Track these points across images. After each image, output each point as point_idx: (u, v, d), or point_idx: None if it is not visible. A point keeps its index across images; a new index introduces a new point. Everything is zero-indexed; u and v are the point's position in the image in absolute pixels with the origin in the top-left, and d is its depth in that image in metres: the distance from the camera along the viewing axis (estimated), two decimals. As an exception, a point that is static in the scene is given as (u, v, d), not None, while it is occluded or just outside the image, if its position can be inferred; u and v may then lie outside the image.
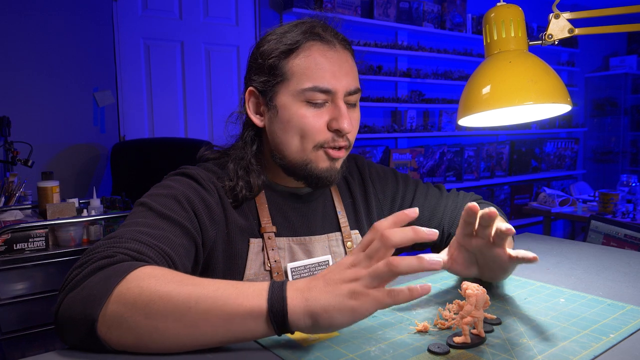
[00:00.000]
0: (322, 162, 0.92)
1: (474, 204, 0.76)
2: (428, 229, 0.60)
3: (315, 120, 0.89)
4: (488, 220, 0.75)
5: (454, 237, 0.85)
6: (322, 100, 0.89)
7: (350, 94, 0.91)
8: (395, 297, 0.58)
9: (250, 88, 0.94)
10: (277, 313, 0.59)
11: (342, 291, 0.58)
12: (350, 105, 0.94)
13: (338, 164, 0.94)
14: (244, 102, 0.96)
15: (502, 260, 0.78)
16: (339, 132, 0.90)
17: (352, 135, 0.94)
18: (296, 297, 0.59)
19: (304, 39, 0.89)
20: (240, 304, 0.60)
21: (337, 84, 0.89)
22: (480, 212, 0.76)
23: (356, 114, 0.95)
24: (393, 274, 0.58)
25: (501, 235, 0.74)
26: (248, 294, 0.60)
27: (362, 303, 0.58)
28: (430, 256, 0.58)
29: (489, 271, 0.84)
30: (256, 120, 0.95)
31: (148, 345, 0.61)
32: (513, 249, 0.81)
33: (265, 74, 0.91)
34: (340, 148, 0.92)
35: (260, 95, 0.93)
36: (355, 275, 0.59)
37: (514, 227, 0.74)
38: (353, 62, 0.95)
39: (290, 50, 0.89)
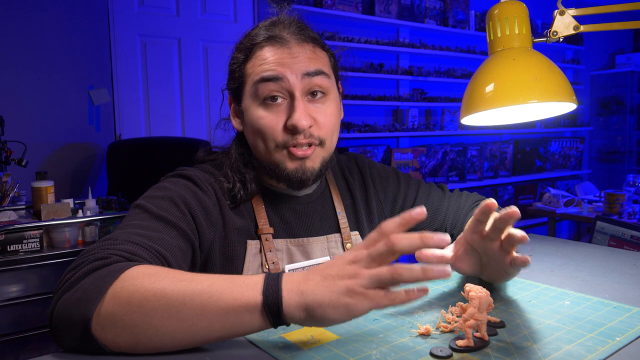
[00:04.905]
0: (289, 163, 0.91)
1: (492, 200, 0.72)
2: (437, 234, 0.58)
3: (271, 120, 0.89)
4: (505, 223, 0.70)
5: (461, 234, 0.83)
6: (276, 92, 0.88)
7: (308, 75, 0.88)
8: (392, 299, 0.58)
9: (230, 95, 0.98)
10: (272, 305, 0.59)
11: (339, 287, 0.58)
12: (316, 99, 0.91)
13: (310, 163, 0.91)
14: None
15: (505, 264, 0.76)
16: (295, 130, 0.87)
17: (322, 131, 0.91)
18: (292, 290, 0.60)
19: (258, 42, 0.90)
20: (235, 298, 0.60)
21: (285, 70, 0.87)
22: (498, 214, 0.71)
23: (325, 107, 0.92)
24: (395, 282, 0.58)
25: (512, 241, 0.71)
26: (243, 287, 0.61)
27: (358, 302, 0.58)
28: (438, 267, 0.58)
29: (490, 272, 0.82)
30: (235, 124, 0.98)
31: (144, 344, 0.61)
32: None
33: (232, 80, 0.95)
34: (310, 145, 0.90)
35: (235, 101, 0.96)
36: (354, 272, 0.59)
37: (518, 228, 0.72)
38: (315, 51, 0.92)
39: (247, 56, 0.91)
